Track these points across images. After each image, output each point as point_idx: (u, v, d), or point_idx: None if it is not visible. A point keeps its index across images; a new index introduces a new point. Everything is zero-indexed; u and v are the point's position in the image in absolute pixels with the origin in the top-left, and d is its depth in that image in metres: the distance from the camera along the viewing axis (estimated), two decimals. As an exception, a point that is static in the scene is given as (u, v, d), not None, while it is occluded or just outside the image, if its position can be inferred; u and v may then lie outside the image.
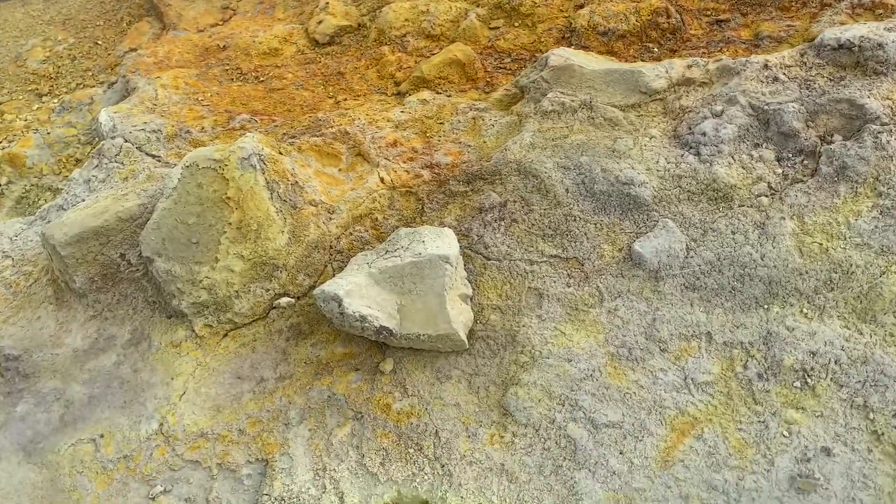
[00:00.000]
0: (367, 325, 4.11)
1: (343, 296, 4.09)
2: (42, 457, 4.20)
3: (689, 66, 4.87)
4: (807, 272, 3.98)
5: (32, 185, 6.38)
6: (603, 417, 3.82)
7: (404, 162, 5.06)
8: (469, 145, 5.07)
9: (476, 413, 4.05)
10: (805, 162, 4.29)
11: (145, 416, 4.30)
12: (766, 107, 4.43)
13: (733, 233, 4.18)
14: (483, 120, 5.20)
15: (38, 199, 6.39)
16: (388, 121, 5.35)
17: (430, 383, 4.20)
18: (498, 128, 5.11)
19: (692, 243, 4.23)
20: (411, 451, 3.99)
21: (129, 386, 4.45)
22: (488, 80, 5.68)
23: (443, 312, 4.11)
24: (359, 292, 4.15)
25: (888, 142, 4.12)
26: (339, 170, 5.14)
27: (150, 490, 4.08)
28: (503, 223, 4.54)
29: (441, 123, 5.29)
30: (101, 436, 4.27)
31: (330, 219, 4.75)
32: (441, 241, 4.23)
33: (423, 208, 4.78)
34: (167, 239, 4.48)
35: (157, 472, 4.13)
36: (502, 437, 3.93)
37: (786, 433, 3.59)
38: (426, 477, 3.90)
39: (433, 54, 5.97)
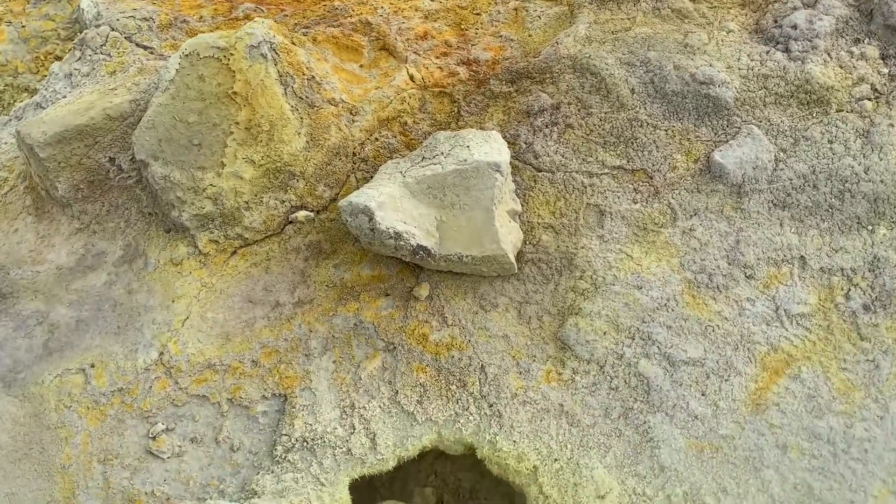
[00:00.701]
0: (401, 243, 3.51)
1: (375, 208, 3.47)
2: (23, 388, 3.64)
3: (777, -52, 4.15)
4: (923, 188, 3.40)
5: (7, 86, 5.62)
6: (681, 353, 3.27)
7: (437, 58, 4.36)
8: (511, 39, 4.37)
9: (528, 346, 3.50)
10: (919, 60, 3.65)
11: (143, 344, 3.72)
12: (874, -6, 3.75)
13: (830, 142, 3.56)
14: (527, 11, 4.48)
15: (14, 101, 5.66)
16: (416, 10, 4.62)
17: (473, 312, 3.63)
18: (545, 20, 4.40)
19: (781, 153, 3.62)
20: (453, 387, 3.45)
21: (122, 309, 3.86)
22: (531, -33, 4.92)
23: (490, 230, 3.51)
24: (393, 205, 3.54)
25: None
26: (361, 66, 4.43)
27: (149, 428, 3.54)
28: (556, 129, 3.89)
29: (477, 14, 4.56)
30: (92, 365, 3.70)
31: (353, 121, 4.08)
32: (489, 146, 3.60)
33: (459, 111, 4.11)
34: (164, 140, 3.82)
35: (157, 408, 3.58)
36: (560, 374, 3.39)
37: (899, 375, 3.07)
38: (471, 417, 3.38)
39: (466, -63, 5.18)
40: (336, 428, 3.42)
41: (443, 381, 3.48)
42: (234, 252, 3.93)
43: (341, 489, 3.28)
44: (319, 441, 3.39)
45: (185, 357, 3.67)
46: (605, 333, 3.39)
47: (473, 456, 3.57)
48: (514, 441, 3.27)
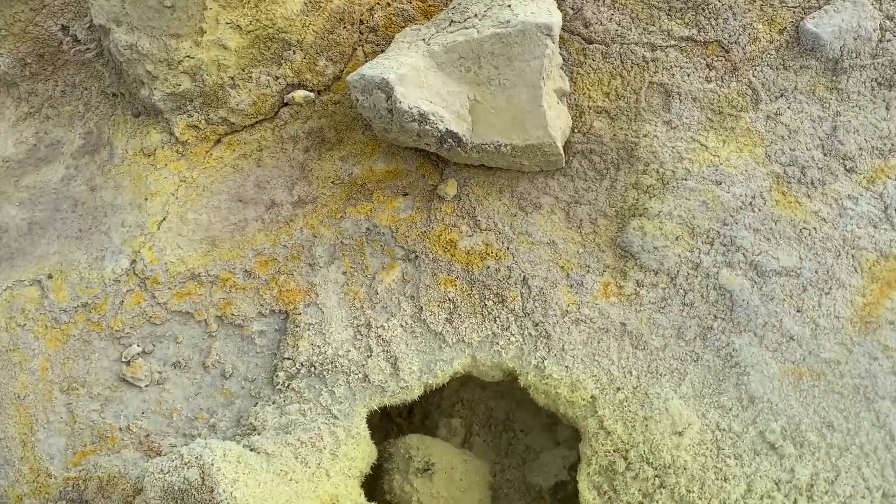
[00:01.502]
0: (426, 128, 2.84)
1: (395, 83, 2.78)
2: (-34, 304, 3.00)
3: None
4: None
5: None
6: (772, 262, 2.68)
7: None
8: None
9: (580, 255, 2.90)
10: None
11: (110, 251, 3.08)
12: None
13: (950, 8, 2.89)
14: None
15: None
16: None
17: (512, 214, 3.01)
18: None
19: (888, 22, 2.95)
20: (489, 304, 2.86)
21: (85, 209, 3.19)
22: None
23: (536, 112, 2.86)
24: (416, 79, 2.85)
25: None
26: (368, -81, 3.64)
27: (122, 351, 2.93)
28: (610, -8, 3.18)
29: None
30: (50, 276, 3.06)
31: (360, -17, 3.34)
32: (536, 5, 2.90)
33: (488, -26, 3.36)
34: (129, 0, 3.06)
35: (131, 328, 2.97)
36: (621, 287, 2.80)
37: None
38: (512, 339, 2.80)
39: None
40: (349, 351, 2.83)
41: (476, 297, 2.89)
42: (219, 140, 3.24)
43: (358, 422, 2.73)
44: (330, 366, 2.81)
45: (163, 266, 3.03)
46: (677, 238, 2.79)
47: (507, 383, 3.02)
48: (567, 366, 2.71)
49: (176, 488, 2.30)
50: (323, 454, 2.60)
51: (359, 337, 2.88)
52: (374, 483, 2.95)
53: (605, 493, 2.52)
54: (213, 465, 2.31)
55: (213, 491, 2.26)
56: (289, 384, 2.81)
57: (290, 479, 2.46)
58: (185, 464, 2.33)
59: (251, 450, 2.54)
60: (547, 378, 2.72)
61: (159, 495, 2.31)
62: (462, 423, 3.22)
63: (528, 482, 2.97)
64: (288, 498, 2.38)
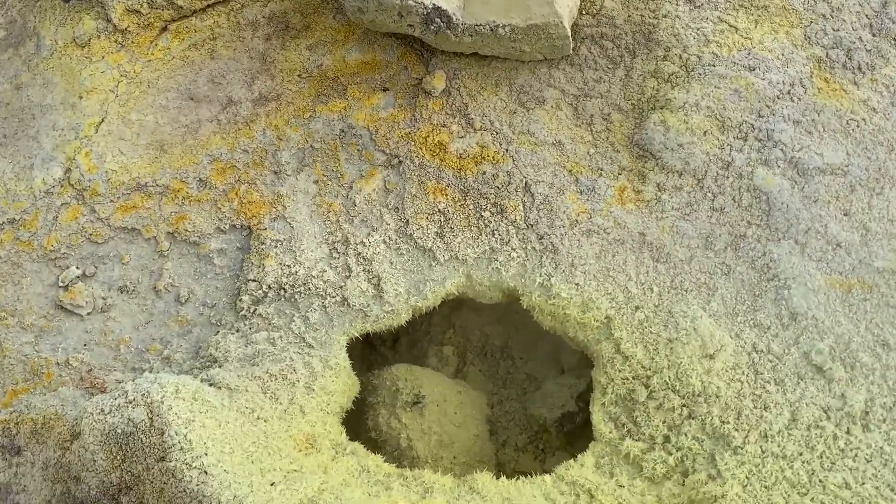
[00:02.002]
0: (410, 3, 2.39)
1: (371, -52, 2.31)
2: None
3: None
4: None
5: None
6: (814, 159, 2.31)
7: None
8: None
9: (591, 156, 2.50)
10: None
11: (40, 158, 2.62)
12: None
13: None
14: None
15: None
16: None
17: (511, 111, 2.59)
18: None
19: None
20: (486, 214, 2.47)
21: (9, 111, 2.72)
22: None
23: (539, -14, 2.41)
24: (396, -55, 2.38)
25: None
26: None
27: (59, 275, 2.52)
28: None
29: None
30: (-31, 190, 2.60)
31: None
32: None
33: None
34: None
35: (68, 247, 2.54)
36: (639, 192, 2.42)
37: None
38: (514, 254, 2.42)
39: None
40: (324, 271, 2.44)
41: (471, 207, 2.49)
42: (165, 28, 2.76)
43: (336, 352, 2.35)
44: (302, 288, 2.42)
45: (104, 175, 2.59)
46: (704, 133, 2.39)
47: (506, 305, 2.66)
48: (577, 284, 2.34)
49: (119, 431, 1.93)
50: (296, 388, 2.23)
51: (335, 255, 2.48)
52: (356, 420, 2.60)
53: (624, 425, 2.19)
54: (163, 402, 1.93)
55: (163, 433, 1.89)
56: (255, 310, 2.42)
57: (258, 418, 2.10)
58: (130, 402, 1.95)
59: (211, 385, 2.16)
60: (554, 298, 2.35)
61: (99, 440, 1.94)
62: (455, 352, 2.86)
63: (531, 414, 2.64)
64: (255, 439, 2.01)
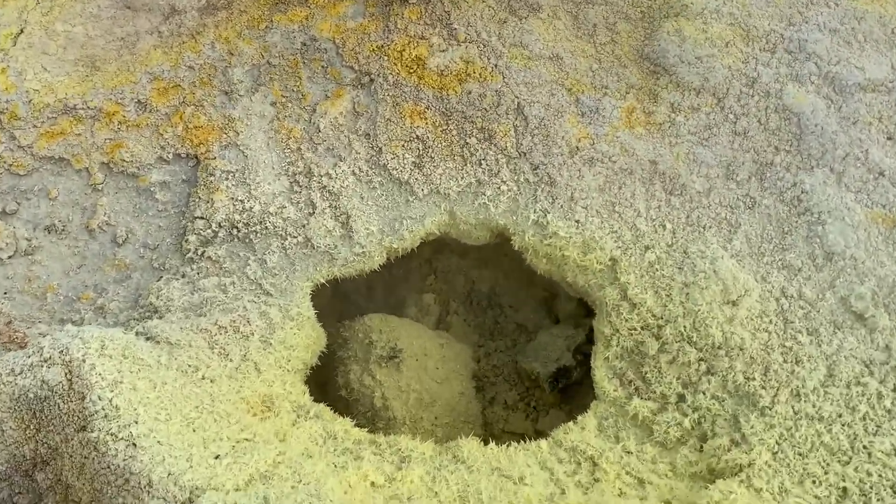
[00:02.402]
0: None
1: None
2: None
3: None
4: None
5: None
6: (854, 74, 1.99)
7: None
8: None
9: (595, 71, 2.16)
10: None
11: (-52, 76, 2.23)
12: None
13: None
14: None
15: None
16: None
17: (500, 20, 2.23)
18: None
19: None
20: (472, 141, 2.13)
21: (-88, 22, 2.31)
22: None
23: None
24: None
25: None
26: None
27: (-26, 212, 2.16)
28: None
29: None
30: None
31: None
32: None
33: None
34: None
35: (-17, 180, 2.18)
36: (650, 113, 2.08)
37: None
38: (504, 187, 2.09)
39: None
40: (284, 207, 2.10)
41: (454, 133, 2.15)
42: (94, -78, 2.35)
43: (299, 300, 2.03)
44: (258, 227, 2.08)
45: (24, 96, 2.22)
46: (726, 45, 2.05)
47: (494, 247, 2.34)
48: (577, 221, 2.02)
49: (32, 396, 1.60)
50: (250, 342, 1.91)
51: (296, 189, 2.14)
52: (323, 379, 2.30)
53: (631, 382, 1.89)
54: (84, 361, 1.60)
55: (83, 398, 1.57)
56: (203, 252, 2.09)
57: (203, 378, 1.78)
58: (46, 361, 1.62)
59: (148, 339, 1.83)
60: (550, 237, 2.03)
61: (8, 406, 1.61)
62: (436, 300, 2.54)
63: (522, 369, 2.34)
64: (198, 403, 1.70)
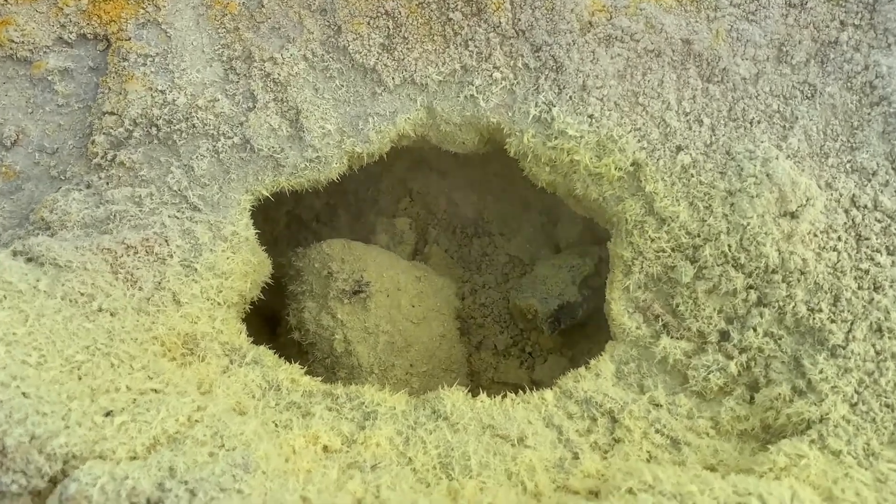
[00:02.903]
0: None
1: None
2: None
3: None
4: None
5: None
6: (948, -76, 1.54)
7: None
8: None
9: (610, -71, 1.70)
10: None
11: None
12: None
13: None
14: None
15: None
16: None
17: None
18: None
19: None
20: (457, 17, 1.68)
21: None
22: None
23: None
24: None
25: None
26: None
27: None
28: None
29: None
30: None
31: None
32: None
33: None
34: None
35: None
36: (681, -21, 1.64)
37: None
38: (497, 74, 1.65)
39: None
40: (217, 100, 1.65)
41: (433, 6, 1.70)
42: None
43: (235, 216, 1.59)
44: (183, 125, 1.63)
45: None
46: None
47: (483, 158, 1.92)
48: (591, 116, 1.58)
49: None
50: (168, 267, 1.47)
51: (232, 77, 1.68)
52: (267, 314, 1.87)
53: (658, 317, 1.49)
54: (-79, 284, 1.16)
55: (-84, 334, 1.12)
56: (113, 156, 1.63)
57: (100, 310, 1.34)
58: None
59: (28, 259, 1.39)
60: (556, 137, 1.60)
61: None
62: (412, 226, 2.11)
63: (516, 307, 1.93)
64: (90, 342, 1.26)
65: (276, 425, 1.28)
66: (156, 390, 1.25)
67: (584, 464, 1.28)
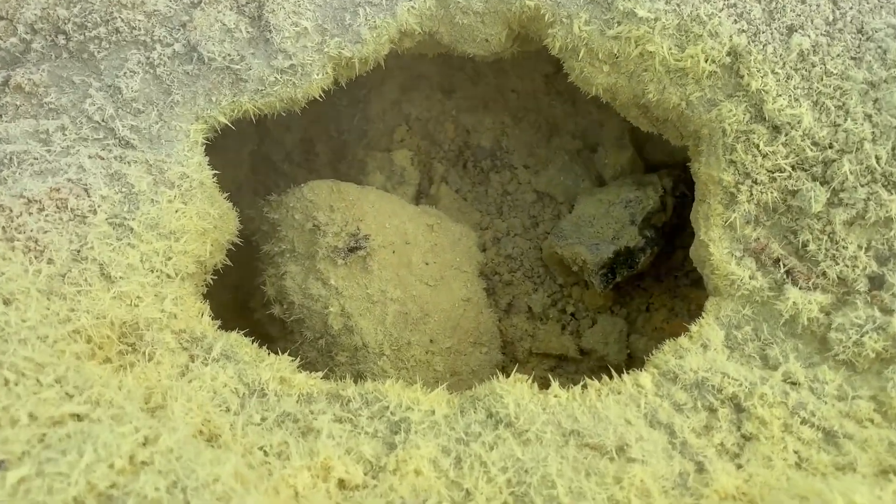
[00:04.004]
0: None
1: None
2: None
3: None
4: None
5: None
6: None
7: None
8: None
9: None
10: None
11: None
12: None
13: None
14: None
15: None
16: None
17: None
18: None
19: None
20: None
21: None
22: None
23: None
24: None
25: None
26: None
27: None
28: None
29: None
30: None
31: None
32: None
33: None
34: None
35: None
36: None
37: None
38: (530, -58, 1.19)
39: None
40: (145, -11, 1.17)
41: None
42: None
43: (183, 153, 1.16)
44: (102, 29, 1.18)
45: None
46: None
47: (498, 71, 1.48)
48: (664, -9, 1.15)
49: None
50: (90, 228, 1.02)
51: (168, -39, 1.20)
52: (235, 283, 1.43)
53: (778, 261, 1.10)
54: None
55: None
56: (6, 78, 1.16)
57: (-17, 297, 0.89)
58: None
59: None
60: (620, 22, 1.17)
61: None
62: (413, 160, 1.66)
63: (555, 256, 1.52)
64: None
65: (266, 454, 0.86)
66: (78, 417, 0.82)
67: (715, 478, 0.89)
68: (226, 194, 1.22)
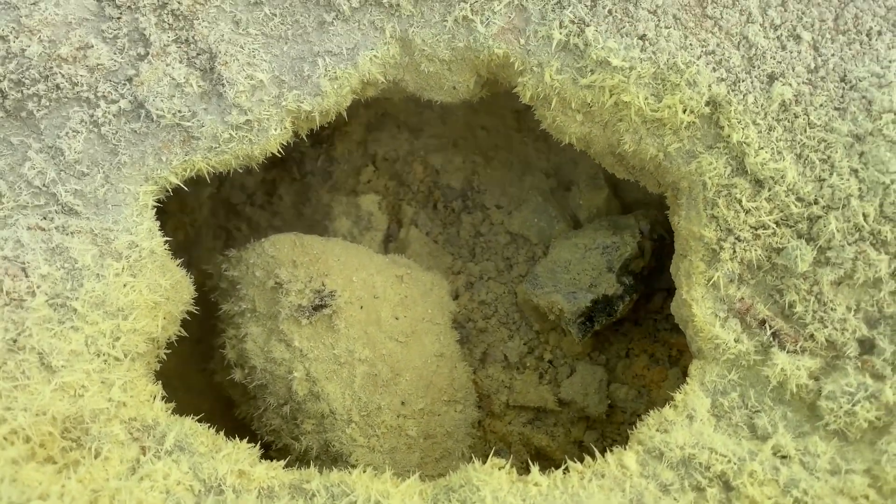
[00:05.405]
0: None
1: None
2: None
3: None
4: None
5: None
6: None
7: None
8: None
9: None
10: None
11: None
12: None
13: None
14: None
15: None
16: None
17: None
18: None
19: None
20: None
21: None
22: None
23: None
24: None
25: None
26: None
27: None
28: None
29: None
30: None
31: None
32: None
33: None
34: None
35: None
36: None
37: None
38: (497, -14, 1.13)
39: None
40: (90, 46, 1.11)
41: None
42: None
43: (131, 219, 1.07)
44: (41, 86, 1.10)
45: None
46: None
47: (468, 112, 1.42)
48: (643, 37, 1.12)
49: None
50: (28, 314, 0.94)
51: (110, 11, 1.13)
52: (196, 336, 1.36)
53: (763, 323, 1.04)
54: None
55: None
56: (-68, 139, 1.07)
57: None
58: None
59: None
60: (594, 70, 1.11)
61: None
62: (380, 204, 1.59)
63: (530, 303, 1.46)
64: None
65: (223, 568, 0.79)
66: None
67: (706, 572, 0.83)
68: (179, 260, 1.14)
